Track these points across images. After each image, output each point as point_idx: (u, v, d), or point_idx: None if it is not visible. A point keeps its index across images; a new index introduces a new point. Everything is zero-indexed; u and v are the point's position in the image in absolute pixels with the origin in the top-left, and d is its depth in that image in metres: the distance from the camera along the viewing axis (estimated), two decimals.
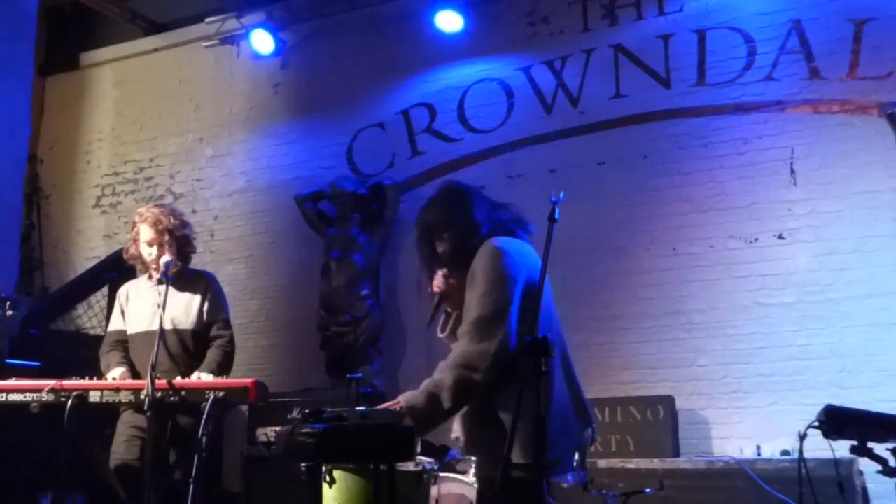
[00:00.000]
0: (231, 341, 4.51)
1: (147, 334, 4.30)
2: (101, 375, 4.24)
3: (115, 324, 4.55)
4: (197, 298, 4.49)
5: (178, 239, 4.52)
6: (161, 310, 4.13)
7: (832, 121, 5.98)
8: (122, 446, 4.20)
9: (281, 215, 7.65)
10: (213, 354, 4.40)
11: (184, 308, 4.46)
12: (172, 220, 4.52)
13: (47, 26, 8.92)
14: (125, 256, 4.60)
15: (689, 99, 6.42)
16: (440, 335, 3.33)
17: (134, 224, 4.56)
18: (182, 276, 4.55)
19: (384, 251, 7.14)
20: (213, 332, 4.49)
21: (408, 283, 7.05)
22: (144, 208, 4.63)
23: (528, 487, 2.97)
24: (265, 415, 5.67)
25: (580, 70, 6.82)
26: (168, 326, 4.36)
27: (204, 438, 3.77)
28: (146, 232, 4.46)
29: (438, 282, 3.27)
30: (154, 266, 4.47)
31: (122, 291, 4.61)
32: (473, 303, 3.05)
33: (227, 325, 4.55)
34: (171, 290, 4.39)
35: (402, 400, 3.02)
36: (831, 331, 5.71)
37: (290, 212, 7.49)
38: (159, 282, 4.27)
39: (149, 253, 4.45)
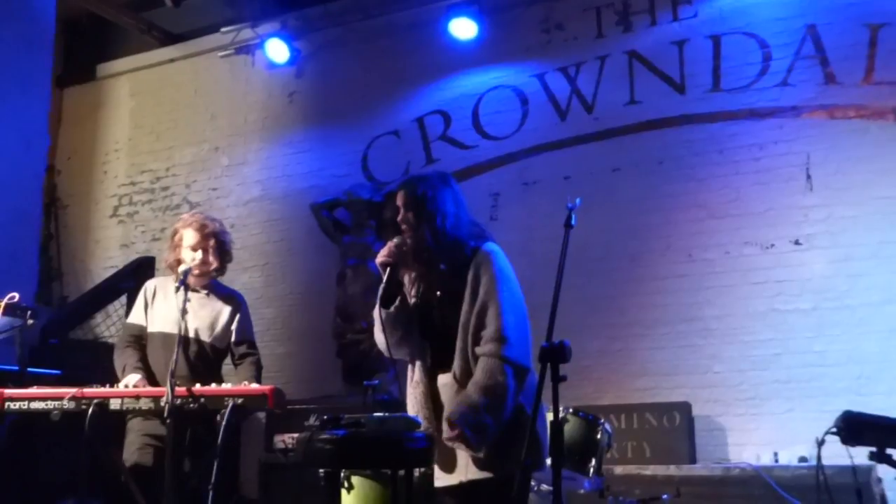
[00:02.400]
0: (260, 360, 4.54)
1: (166, 337, 4.30)
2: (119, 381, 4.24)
3: (137, 317, 4.49)
4: (224, 317, 4.48)
5: (220, 245, 4.51)
6: (181, 316, 4.13)
7: (848, 126, 5.96)
8: (136, 454, 4.17)
9: (296, 223, 7.68)
10: (249, 372, 4.39)
11: (209, 321, 4.45)
12: (217, 226, 4.53)
13: (64, 38, 8.98)
14: (165, 265, 4.60)
15: (704, 105, 6.41)
16: (384, 311, 3.26)
17: (175, 231, 4.50)
18: (214, 290, 4.53)
19: None
20: (243, 350, 4.48)
21: None
22: (187, 215, 4.60)
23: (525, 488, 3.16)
24: (282, 422, 5.70)
25: (594, 76, 6.83)
26: (190, 335, 4.37)
27: (222, 445, 3.78)
28: (190, 236, 4.42)
29: (390, 250, 3.26)
30: (195, 272, 4.38)
31: (150, 286, 4.54)
32: (498, 307, 3.10)
33: (254, 346, 4.57)
34: (201, 299, 4.43)
35: (456, 420, 3.03)
36: (848, 337, 5.69)
37: (306, 220, 7.53)
38: (177, 289, 4.27)
39: (192, 258, 4.39)
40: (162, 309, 4.42)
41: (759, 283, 6.00)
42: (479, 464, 3.07)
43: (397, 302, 3.27)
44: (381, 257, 3.28)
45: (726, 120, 6.32)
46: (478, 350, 3.11)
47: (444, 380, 3.25)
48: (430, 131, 7.38)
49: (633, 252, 6.41)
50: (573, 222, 3.08)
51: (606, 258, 6.40)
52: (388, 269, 3.26)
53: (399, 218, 3.33)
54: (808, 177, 6.01)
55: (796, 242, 5.97)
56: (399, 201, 3.35)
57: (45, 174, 7.72)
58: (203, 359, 4.41)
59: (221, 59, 8.39)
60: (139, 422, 4.21)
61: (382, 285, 3.28)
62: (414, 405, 3.28)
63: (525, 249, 5.84)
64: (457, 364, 3.15)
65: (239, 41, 8.19)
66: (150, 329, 4.42)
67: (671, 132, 6.48)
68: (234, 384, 4.07)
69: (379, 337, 3.35)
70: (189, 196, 8.35)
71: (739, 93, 6.31)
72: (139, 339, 4.43)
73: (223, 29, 8.20)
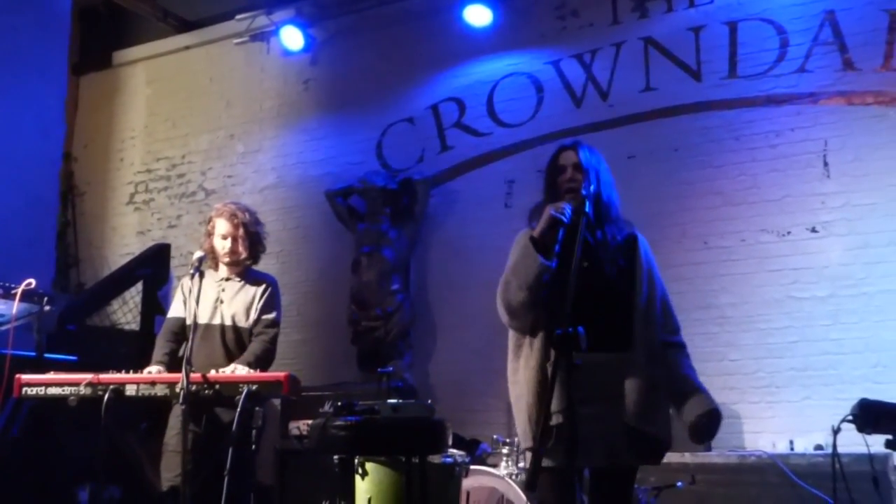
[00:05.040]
0: (273, 340, 4.57)
1: (206, 327, 4.44)
2: (136, 370, 4.27)
3: (176, 311, 4.62)
4: (256, 300, 4.60)
5: (251, 235, 4.67)
6: (196, 304, 4.17)
7: (866, 112, 5.91)
8: (174, 439, 4.27)
9: (311, 211, 7.69)
10: (252, 348, 4.46)
11: (244, 307, 4.56)
12: (247, 216, 4.69)
13: (80, 25, 9.03)
14: (201, 251, 4.66)
15: (720, 91, 6.37)
16: (542, 261, 3.08)
17: (210, 219, 4.69)
18: (247, 277, 4.67)
19: (414, 246, 7.16)
20: (259, 328, 4.55)
21: (438, 277, 7.07)
22: (221, 204, 4.78)
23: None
24: (298, 408, 5.73)
25: (610, 63, 6.80)
26: (227, 322, 4.50)
27: (252, 431, 3.83)
28: (222, 225, 4.60)
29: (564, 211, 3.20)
30: (225, 260, 4.60)
31: (187, 281, 4.60)
32: (668, 298, 3.41)
33: (273, 323, 4.61)
34: (235, 287, 4.58)
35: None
36: (865, 325, 5.65)
37: (321, 207, 7.53)
38: (191, 276, 4.32)
39: (222, 246, 4.58)
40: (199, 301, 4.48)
41: (775, 270, 5.97)
42: (637, 447, 3.23)
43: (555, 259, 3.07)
44: (554, 215, 3.13)
45: (743, 107, 6.27)
46: (671, 338, 3.34)
47: (602, 358, 3.07)
48: (445, 119, 7.36)
49: (649, 239, 6.23)
50: (588, 209, 3.08)
51: None
52: (553, 227, 3.13)
53: (567, 177, 3.35)
54: (826, 164, 5.97)
55: (813, 230, 5.93)
56: (570, 161, 3.39)
57: (61, 162, 7.77)
58: (240, 345, 4.51)
59: (236, 47, 8.40)
60: (179, 406, 4.28)
61: (542, 229, 3.16)
62: (558, 384, 2.79)
63: None
64: (639, 343, 3.19)
65: (254, 28, 8.20)
66: (189, 321, 4.49)
67: (687, 119, 6.45)
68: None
69: (516, 294, 3.11)
70: (204, 183, 8.37)
71: (756, 79, 6.26)
72: (176, 333, 4.54)
73: (238, 16, 8.20)
